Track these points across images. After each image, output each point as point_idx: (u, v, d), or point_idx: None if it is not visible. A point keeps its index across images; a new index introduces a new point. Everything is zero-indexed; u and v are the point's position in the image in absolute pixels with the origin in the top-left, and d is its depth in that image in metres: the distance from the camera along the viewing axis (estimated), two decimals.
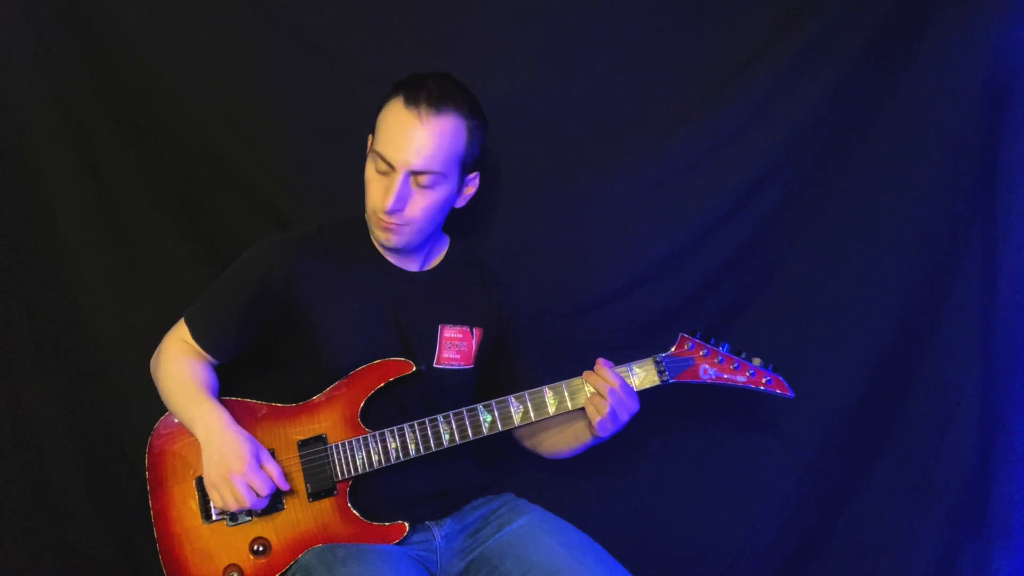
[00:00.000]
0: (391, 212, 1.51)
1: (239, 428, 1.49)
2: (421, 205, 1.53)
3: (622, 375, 1.57)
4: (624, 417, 1.56)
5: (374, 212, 1.55)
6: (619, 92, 1.90)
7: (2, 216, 1.80)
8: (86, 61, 1.80)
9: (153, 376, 1.60)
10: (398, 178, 1.50)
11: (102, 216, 1.82)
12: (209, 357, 1.59)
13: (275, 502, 1.51)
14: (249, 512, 1.51)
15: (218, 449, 1.47)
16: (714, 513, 1.95)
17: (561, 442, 1.70)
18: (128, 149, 1.82)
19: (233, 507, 1.47)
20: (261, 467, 1.47)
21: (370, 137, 1.57)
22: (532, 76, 1.88)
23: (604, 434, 1.57)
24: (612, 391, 1.53)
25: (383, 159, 1.50)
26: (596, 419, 1.54)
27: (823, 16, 1.85)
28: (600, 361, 1.57)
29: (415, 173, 1.50)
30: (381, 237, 1.58)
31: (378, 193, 1.53)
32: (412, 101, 1.49)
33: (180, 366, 1.56)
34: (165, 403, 1.57)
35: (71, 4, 1.77)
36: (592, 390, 1.56)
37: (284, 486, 1.49)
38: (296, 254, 1.58)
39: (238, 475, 1.44)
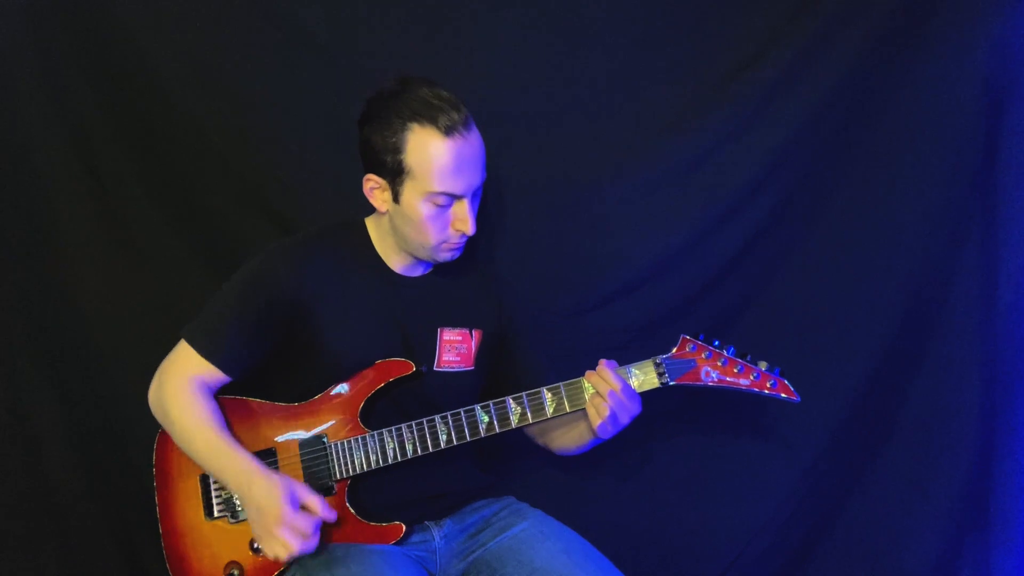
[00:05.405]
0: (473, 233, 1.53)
1: (268, 472, 1.45)
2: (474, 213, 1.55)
3: (623, 377, 1.56)
4: (624, 420, 1.54)
5: (445, 241, 1.54)
6: (619, 93, 1.89)
7: (2, 216, 1.80)
8: (87, 62, 1.80)
9: (155, 409, 1.54)
10: (468, 202, 1.51)
11: (102, 216, 1.83)
12: (214, 379, 1.53)
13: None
14: None
15: (256, 504, 1.43)
16: (714, 514, 1.95)
17: (568, 440, 1.70)
18: (128, 149, 1.84)
19: (285, 557, 1.42)
20: (301, 507, 1.43)
21: (383, 181, 1.51)
22: (532, 78, 1.88)
23: (604, 436, 1.56)
24: (612, 393, 1.52)
25: (447, 195, 1.49)
26: (596, 422, 1.53)
27: (822, 17, 1.84)
28: (603, 362, 1.55)
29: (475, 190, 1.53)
30: (445, 257, 1.58)
31: (440, 226, 1.52)
32: (447, 127, 1.45)
33: (190, 410, 1.49)
34: (180, 446, 1.52)
35: (72, 4, 1.78)
36: (593, 391, 1.55)
37: (331, 516, 1.45)
38: (302, 259, 1.56)
39: (278, 527, 1.40)
